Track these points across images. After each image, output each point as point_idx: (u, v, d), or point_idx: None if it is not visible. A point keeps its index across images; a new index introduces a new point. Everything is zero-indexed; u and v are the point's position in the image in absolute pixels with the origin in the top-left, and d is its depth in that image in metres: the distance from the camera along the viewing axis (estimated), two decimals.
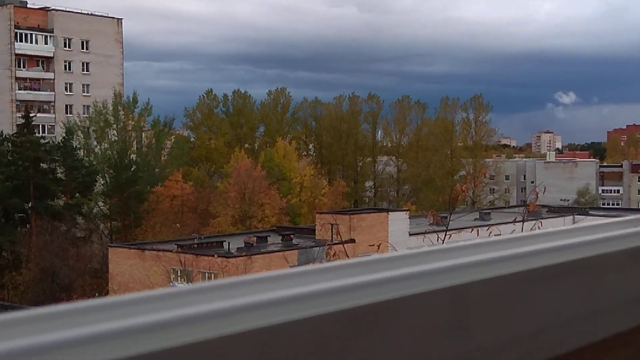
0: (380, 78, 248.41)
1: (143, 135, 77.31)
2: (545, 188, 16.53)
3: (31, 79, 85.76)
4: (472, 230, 17.18)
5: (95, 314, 0.74)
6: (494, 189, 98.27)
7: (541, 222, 13.55)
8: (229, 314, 0.78)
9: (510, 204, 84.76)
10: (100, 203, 68.03)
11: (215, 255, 36.61)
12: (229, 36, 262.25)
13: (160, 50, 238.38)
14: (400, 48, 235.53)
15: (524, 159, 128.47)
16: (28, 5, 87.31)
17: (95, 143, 72.91)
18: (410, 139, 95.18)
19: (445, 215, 16.48)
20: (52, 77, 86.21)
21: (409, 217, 48.47)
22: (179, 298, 0.80)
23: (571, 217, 55.25)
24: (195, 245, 43.04)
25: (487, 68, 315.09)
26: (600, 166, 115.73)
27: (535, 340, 1.14)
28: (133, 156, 72.98)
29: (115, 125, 73.38)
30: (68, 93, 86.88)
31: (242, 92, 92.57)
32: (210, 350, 0.74)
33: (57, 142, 68.81)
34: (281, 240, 46.96)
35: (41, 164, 63.23)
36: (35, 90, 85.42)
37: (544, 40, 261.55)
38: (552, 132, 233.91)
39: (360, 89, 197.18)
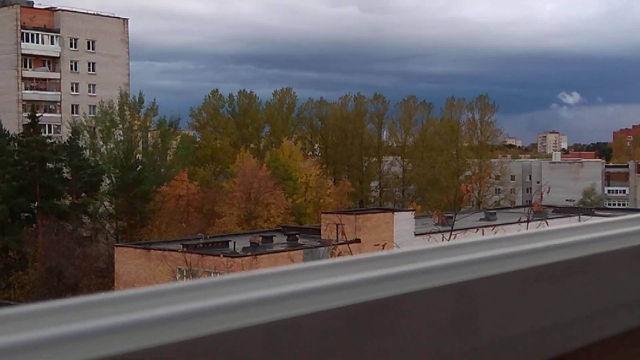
0: (382, 78, 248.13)
1: (149, 135, 77.47)
2: (549, 188, 16.55)
3: (37, 79, 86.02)
4: (478, 230, 17.24)
5: (104, 307, 0.75)
6: (499, 189, 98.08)
7: (546, 222, 13.57)
8: (236, 309, 0.78)
9: (516, 204, 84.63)
10: (106, 203, 68.18)
11: (221, 255, 36.75)
12: (231, 36, 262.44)
13: (162, 50, 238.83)
14: (402, 48, 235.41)
15: (529, 159, 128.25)
16: (34, 6, 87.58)
17: (101, 143, 73.09)
18: (416, 139, 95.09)
19: (451, 215, 16.51)
20: (59, 77, 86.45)
21: (415, 217, 48.44)
22: (187, 293, 0.81)
23: (577, 217, 55.19)
24: (201, 245, 43.13)
25: (489, 68, 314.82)
26: (606, 166, 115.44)
27: (542, 337, 1.14)
28: (139, 156, 73.13)
29: (121, 125, 73.58)
30: (74, 93, 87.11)
31: (248, 92, 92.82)
32: (218, 344, 0.75)
33: (63, 142, 69.01)
34: (287, 240, 46.99)
35: (47, 164, 63.41)
36: (41, 90, 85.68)
37: (546, 40, 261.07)
38: (557, 133, 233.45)
39: (363, 89, 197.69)
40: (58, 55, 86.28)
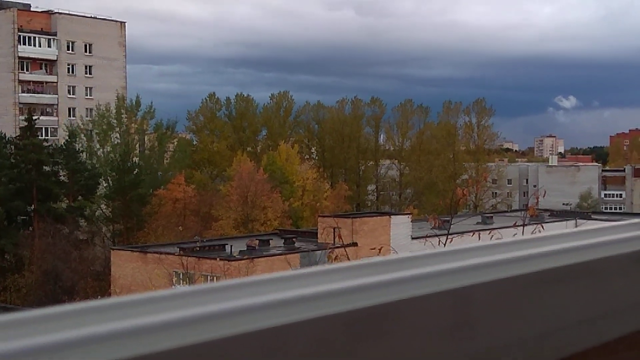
0: (380, 81, 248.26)
1: (146, 138, 77.42)
2: (545, 192, 16.55)
3: (34, 82, 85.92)
4: (474, 234, 17.25)
5: (100, 314, 0.75)
6: (496, 192, 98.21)
7: (542, 226, 13.60)
8: (234, 315, 0.78)
9: (513, 208, 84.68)
10: (102, 206, 68.12)
11: (218, 259, 36.73)
12: (228, 39, 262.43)
13: (159, 53, 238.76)
14: (399, 51, 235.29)
15: (526, 163, 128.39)
16: (31, 9, 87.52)
17: (98, 146, 73.07)
18: (413, 142, 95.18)
19: (448, 219, 16.52)
20: (55, 80, 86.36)
21: (412, 221, 48.45)
22: (183, 299, 0.81)
23: (573, 221, 55.26)
24: (198, 248, 43.06)
25: (486, 72, 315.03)
26: (602, 170, 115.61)
27: (539, 342, 1.14)
28: (136, 159, 73.04)
29: (118, 128, 73.56)
30: (71, 96, 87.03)
31: (245, 95, 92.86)
32: (215, 350, 0.75)
33: (60, 145, 68.91)
34: (283, 243, 46.94)
35: (44, 167, 63.34)
36: (38, 93, 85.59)
37: (543, 44, 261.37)
38: (554, 136, 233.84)
39: (360, 93, 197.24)
40: (55, 58, 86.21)
